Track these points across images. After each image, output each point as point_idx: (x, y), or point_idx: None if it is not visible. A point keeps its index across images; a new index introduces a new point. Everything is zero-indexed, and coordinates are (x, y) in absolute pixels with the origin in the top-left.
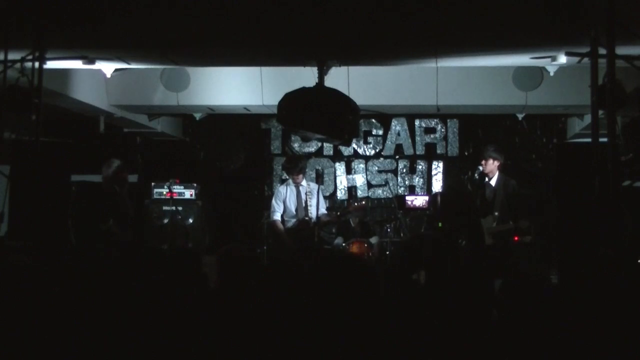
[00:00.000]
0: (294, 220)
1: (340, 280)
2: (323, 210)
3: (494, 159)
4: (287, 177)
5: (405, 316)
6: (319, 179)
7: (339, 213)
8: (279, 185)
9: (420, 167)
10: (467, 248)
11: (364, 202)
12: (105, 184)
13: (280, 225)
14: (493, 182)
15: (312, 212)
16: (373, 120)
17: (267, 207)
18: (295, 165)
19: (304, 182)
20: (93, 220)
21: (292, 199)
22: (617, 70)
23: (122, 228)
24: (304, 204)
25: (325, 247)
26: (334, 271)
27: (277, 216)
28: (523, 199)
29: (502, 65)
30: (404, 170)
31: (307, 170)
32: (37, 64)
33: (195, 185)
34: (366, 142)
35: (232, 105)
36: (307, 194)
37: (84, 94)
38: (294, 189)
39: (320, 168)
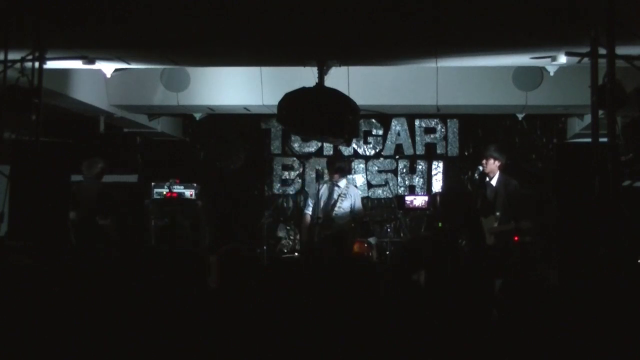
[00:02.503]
0: (321, 217)
1: (340, 280)
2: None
3: (495, 159)
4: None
5: (405, 316)
6: (319, 178)
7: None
8: (318, 183)
9: (420, 167)
10: (467, 248)
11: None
12: (89, 182)
13: (306, 220)
14: (494, 182)
15: (337, 214)
16: (373, 120)
17: (267, 207)
18: (332, 165)
19: (341, 183)
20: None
21: (324, 197)
22: (617, 70)
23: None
24: (331, 203)
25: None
26: (335, 271)
27: (308, 210)
28: (524, 199)
29: (502, 65)
30: (404, 170)
31: (323, 171)
32: (37, 64)
33: (195, 185)
34: (366, 142)
35: (232, 105)
36: (341, 195)
37: (84, 94)
38: (330, 187)
39: (320, 168)
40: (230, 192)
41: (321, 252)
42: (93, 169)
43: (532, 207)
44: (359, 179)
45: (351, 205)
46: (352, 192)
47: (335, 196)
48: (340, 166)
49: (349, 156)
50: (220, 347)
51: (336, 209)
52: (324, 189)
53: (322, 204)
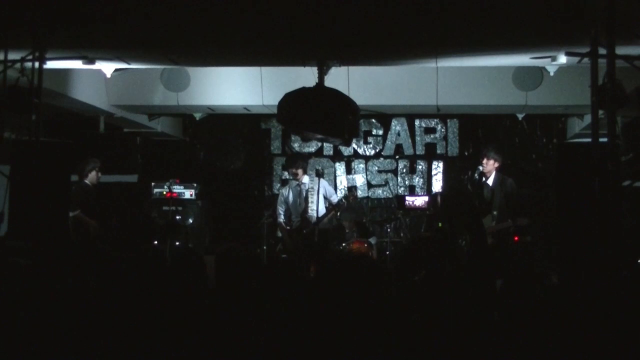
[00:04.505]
0: (298, 219)
1: (342, 280)
2: (335, 199)
3: (495, 160)
4: (289, 176)
5: (405, 316)
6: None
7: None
8: (281, 188)
9: (420, 167)
10: (467, 248)
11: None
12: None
13: (282, 227)
14: (490, 182)
15: (313, 209)
16: (373, 120)
17: (267, 207)
18: (294, 162)
19: (304, 180)
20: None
21: (294, 199)
22: (617, 70)
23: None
24: (302, 202)
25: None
26: (337, 271)
27: (281, 218)
28: (521, 196)
29: (502, 65)
30: (404, 170)
31: (323, 170)
32: (37, 64)
33: (195, 185)
34: (366, 142)
35: (232, 105)
36: (309, 190)
37: (84, 94)
38: (295, 188)
39: (320, 168)
40: (230, 192)
41: (309, 253)
42: (82, 170)
43: (529, 204)
44: (359, 179)
45: (324, 195)
46: (317, 183)
47: (304, 194)
48: (302, 164)
49: (349, 156)
50: (220, 347)
51: (310, 204)
52: (290, 192)
53: (295, 206)
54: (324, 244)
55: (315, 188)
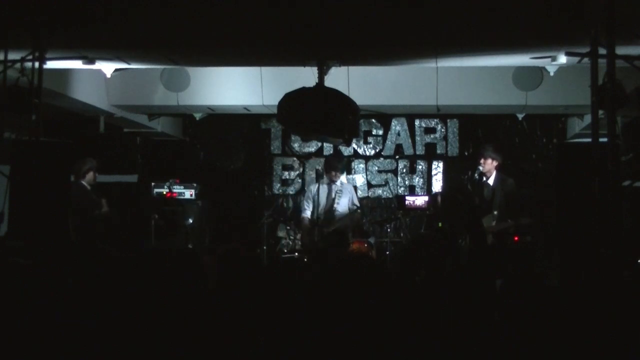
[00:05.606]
0: (321, 217)
1: (342, 280)
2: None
3: (493, 159)
4: (325, 177)
5: (406, 316)
6: (319, 178)
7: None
8: (309, 185)
9: (420, 167)
10: (468, 248)
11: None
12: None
13: (304, 223)
14: (491, 182)
15: (338, 210)
16: (373, 120)
17: (267, 207)
18: (332, 164)
19: (338, 181)
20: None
21: (322, 197)
22: (617, 70)
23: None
24: (330, 202)
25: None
26: (338, 271)
27: (306, 214)
28: (522, 196)
29: (502, 65)
30: (404, 170)
31: (323, 171)
32: (37, 64)
33: (195, 185)
34: (366, 142)
35: (232, 105)
36: (337, 192)
37: (84, 94)
38: (326, 187)
39: (320, 168)
40: (230, 192)
41: (325, 252)
42: (79, 170)
43: (529, 204)
44: (359, 179)
45: (349, 200)
46: (347, 187)
47: (333, 195)
48: (343, 165)
49: (348, 156)
50: (220, 347)
51: (335, 205)
52: (322, 190)
53: (321, 204)
54: (338, 243)
55: (345, 191)
